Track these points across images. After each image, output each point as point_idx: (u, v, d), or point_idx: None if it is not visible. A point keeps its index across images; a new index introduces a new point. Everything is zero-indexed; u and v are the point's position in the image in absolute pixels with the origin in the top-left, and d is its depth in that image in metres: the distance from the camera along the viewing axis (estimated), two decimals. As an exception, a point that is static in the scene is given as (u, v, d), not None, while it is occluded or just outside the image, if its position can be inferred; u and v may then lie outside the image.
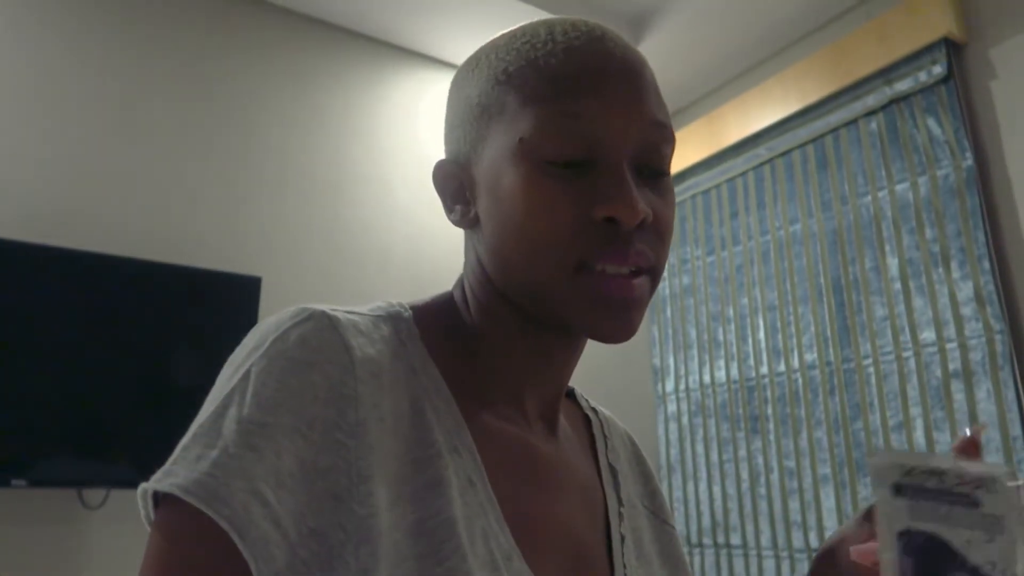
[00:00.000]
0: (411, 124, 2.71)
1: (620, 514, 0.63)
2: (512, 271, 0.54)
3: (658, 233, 0.54)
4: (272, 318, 0.51)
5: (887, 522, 0.46)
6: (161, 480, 0.43)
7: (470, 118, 0.58)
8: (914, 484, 0.46)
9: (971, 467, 0.45)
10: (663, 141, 0.55)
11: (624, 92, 0.53)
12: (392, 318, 0.56)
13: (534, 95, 0.53)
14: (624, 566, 0.59)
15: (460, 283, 0.62)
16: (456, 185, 0.59)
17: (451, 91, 0.62)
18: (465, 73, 0.60)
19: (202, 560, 0.42)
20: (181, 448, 0.45)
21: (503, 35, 0.59)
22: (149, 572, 0.43)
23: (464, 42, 2.72)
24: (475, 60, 0.60)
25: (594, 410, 0.73)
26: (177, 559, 0.43)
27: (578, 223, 0.51)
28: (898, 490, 0.46)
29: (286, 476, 0.43)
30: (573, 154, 0.52)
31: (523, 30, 0.58)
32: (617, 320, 0.52)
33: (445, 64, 2.85)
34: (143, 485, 0.45)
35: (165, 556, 0.43)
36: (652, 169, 0.55)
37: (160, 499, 0.46)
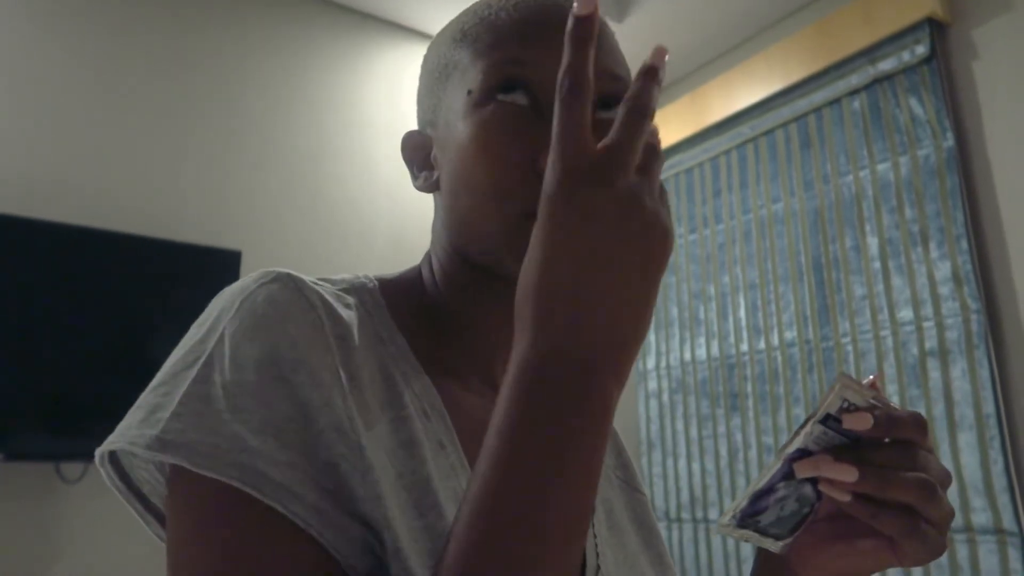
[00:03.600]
0: (394, 98, 2.69)
1: None
2: (464, 225, 0.54)
3: None
4: (237, 282, 0.50)
5: (800, 440, 0.49)
6: (161, 450, 0.42)
7: (431, 84, 0.59)
8: (836, 417, 0.48)
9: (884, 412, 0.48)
10: (619, 92, 0.53)
11: None
12: (357, 289, 0.56)
13: (481, 47, 0.54)
14: (595, 535, 0.59)
15: (427, 254, 0.62)
16: (423, 154, 0.60)
17: (421, 65, 0.63)
18: (431, 44, 0.62)
19: (232, 519, 0.42)
20: (172, 415, 0.44)
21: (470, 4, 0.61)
22: (185, 541, 0.42)
23: (447, 16, 2.69)
24: (440, 31, 0.61)
25: None
26: (211, 523, 0.42)
27: (525, 171, 0.50)
28: (826, 419, 0.48)
29: (283, 421, 0.43)
30: (516, 84, 0.52)
31: None
32: None
33: (427, 37, 2.82)
34: (137, 449, 0.43)
35: (198, 523, 0.42)
36: (608, 113, 0.54)
37: (128, 464, 0.46)
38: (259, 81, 2.43)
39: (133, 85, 2.20)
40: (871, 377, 0.51)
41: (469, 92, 0.53)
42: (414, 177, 0.61)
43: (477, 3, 0.59)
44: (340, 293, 0.53)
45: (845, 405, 0.48)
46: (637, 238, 0.39)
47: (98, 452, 0.47)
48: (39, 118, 2.03)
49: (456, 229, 0.56)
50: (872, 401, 0.48)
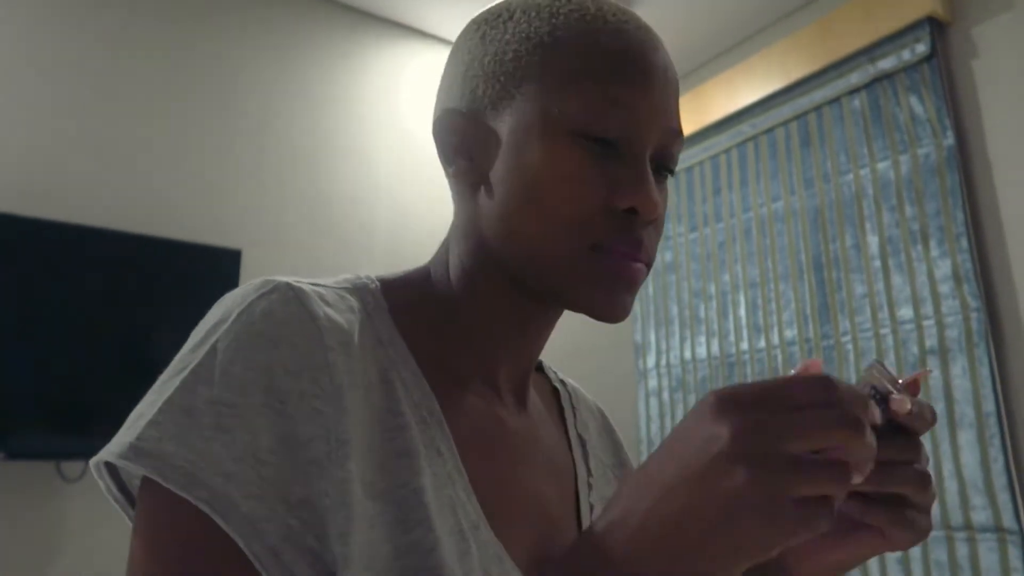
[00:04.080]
0: (393, 96, 2.68)
1: (589, 484, 0.64)
2: (520, 240, 0.53)
3: (657, 229, 0.56)
4: (236, 291, 0.50)
5: None
6: (133, 459, 0.42)
7: (496, 72, 0.54)
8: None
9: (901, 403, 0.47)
10: (678, 147, 0.56)
11: (662, 90, 0.54)
12: (358, 290, 0.55)
13: (583, 69, 0.52)
14: None
15: (443, 248, 0.61)
16: (462, 139, 0.56)
17: (469, 38, 0.58)
18: (492, 24, 0.56)
19: (194, 542, 0.42)
20: (149, 423, 0.43)
21: None
22: (142, 555, 0.43)
23: (447, 13, 2.69)
24: (506, 12, 0.56)
25: (562, 382, 0.73)
26: (169, 542, 0.42)
27: (602, 207, 0.52)
28: None
29: (265, 452, 0.43)
30: (610, 138, 0.52)
31: None
32: (618, 299, 0.53)
33: (427, 36, 2.81)
34: (111, 457, 0.43)
35: (156, 539, 0.43)
36: (663, 170, 0.56)
37: (126, 473, 0.46)
38: (258, 79, 2.43)
39: (132, 84, 2.19)
40: (921, 371, 0.50)
41: (560, 111, 0.52)
42: (448, 162, 0.57)
43: (559, 3, 0.55)
44: (342, 294, 0.53)
45: (872, 392, 0.47)
46: (767, 533, 0.37)
47: (92, 463, 0.47)
48: (38, 116, 2.03)
49: (505, 239, 0.54)
50: (892, 390, 0.48)
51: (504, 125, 0.54)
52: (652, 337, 3.01)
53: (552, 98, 0.52)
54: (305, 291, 0.49)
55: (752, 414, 0.38)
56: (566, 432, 0.68)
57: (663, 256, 3.01)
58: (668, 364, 2.92)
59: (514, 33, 0.55)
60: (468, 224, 0.57)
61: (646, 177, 0.52)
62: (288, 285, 0.49)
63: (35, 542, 1.82)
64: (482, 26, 0.57)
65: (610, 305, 0.53)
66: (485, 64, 0.55)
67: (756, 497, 0.36)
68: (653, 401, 2.95)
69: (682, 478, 0.39)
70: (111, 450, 0.44)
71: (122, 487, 0.49)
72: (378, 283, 0.58)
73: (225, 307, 0.48)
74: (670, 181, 3.00)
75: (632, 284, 0.53)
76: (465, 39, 0.58)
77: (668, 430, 2.86)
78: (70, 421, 1.86)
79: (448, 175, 0.58)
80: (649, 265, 0.55)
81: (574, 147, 0.51)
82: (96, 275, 1.93)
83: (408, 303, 0.57)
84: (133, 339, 1.96)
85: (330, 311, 0.49)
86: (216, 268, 2.09)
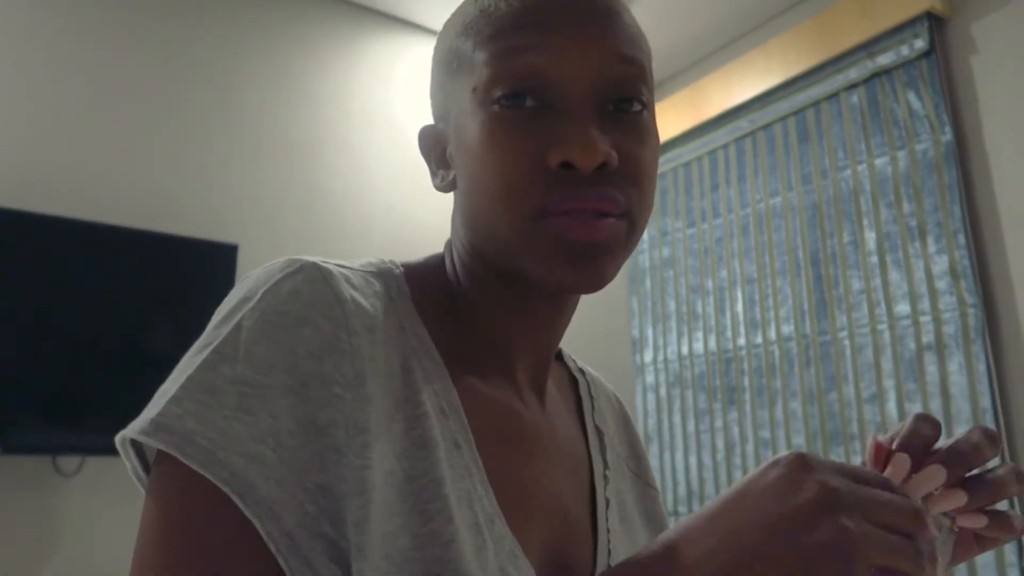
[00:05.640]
0: (388, 89, 2.68)
1: (605, 477, 0.63)
2: (479, 227, 0.53)
3: (629, 174, 0.50)
4: (261, 269, 0.49)
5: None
6: (153, 435, 0.42)
7: (441, 77, 0.57)
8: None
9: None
10: (631, 76, 0.51)
11: (577, 25, 0.50)
12: (383, 274, 0.54)
13: (484, 39, 0.51)
14: (608, 531, 0.59)
15: (448, 246, 0.61)
16: (439, 150, 0.58)
17: (431, 57, 0.61)
18: (439, 35, 0.59)
19: (208, 521, 0.41)
20: (171, 400, 0.43)
21: None
22: (154, 533, 0.42)
23: (441, 6, 2.68)
24: (447, 21, 0.59)
25: (581, 371, 0.72)
26: (183, 519, 0.42)
27: (534, 170, 0.48)
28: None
29: (285, 435, 0.42)
30: (521, 88, 0.49)
31: None
32: (580, 266, 0.48)
33: (422, 28, 2.81)
34: (132, 433, 0.43)
35: (170, 516, 0.42)
36: (622, 105, 0.51)
37: (150, 450, 0.45)
38: (254, 73, 2.42)
39: (127, 79, 2.19)
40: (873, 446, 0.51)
41: (474, 89, 0.51)
42: (433, 175, 0.58)
43: None
44: (368, 278, 0.52)
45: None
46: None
47: (118, 440, 0.46)
48: (34, 111, 2.02)
49: (473, 230, 0.54)
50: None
51: (452, 123, 0.55)
52: (649, 332, 3.01)
53: (471, 78, 0.51)
54: (332, 272, 0.49)
55: (839, 477, 0.39)
56: (583, 423, 0.66)
57: (660, 251, 3.01)
58: (665, 359, 2.92)
59: (445, 37, 0.57)
60: (457, 224, 0.58)
61: (576, 122, 0.48)
62: (315, 265, 0.48)
63: (31, 537, 1.82)
64: (438, 37, 0.60)
65: (572, 273, 0.48)
66: (435, 75, 0.58)
67: (837, 551, 0.37)
68: (651, 396, 2.95)
69: (761, 524, 0.39)
70: (134, 427, 0.43)
71: (147, 467, 0.48)
72: (402, 268, 0.57)
73: (251, 285, 0.48)
74: (668, 176, 2.99)
75: (596, 244, 0.48)
76: (432, 55, 0.61)
77: (665, 425, 2.87)
78: (66, 416, 1.85)
79: (435, 187, 0.59)
80: (629, 218, 0.50)
81: (502, 114, 0.49)
82: (93, 270, 1.93)
83: (429, 291, 0.57)
84: (130, 334, 1.95)
85: (356, 294, 0.49)
86: (212, 263, 2.08)
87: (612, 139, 0.49)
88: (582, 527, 0.58)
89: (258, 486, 0.41)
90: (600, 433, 0.67)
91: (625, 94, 0.51)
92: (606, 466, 0.64)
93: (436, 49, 0.59)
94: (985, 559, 1.88)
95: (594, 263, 0.49)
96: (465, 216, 0.54)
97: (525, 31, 0.50)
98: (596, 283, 0.49)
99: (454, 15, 0.57)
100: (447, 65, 0.55)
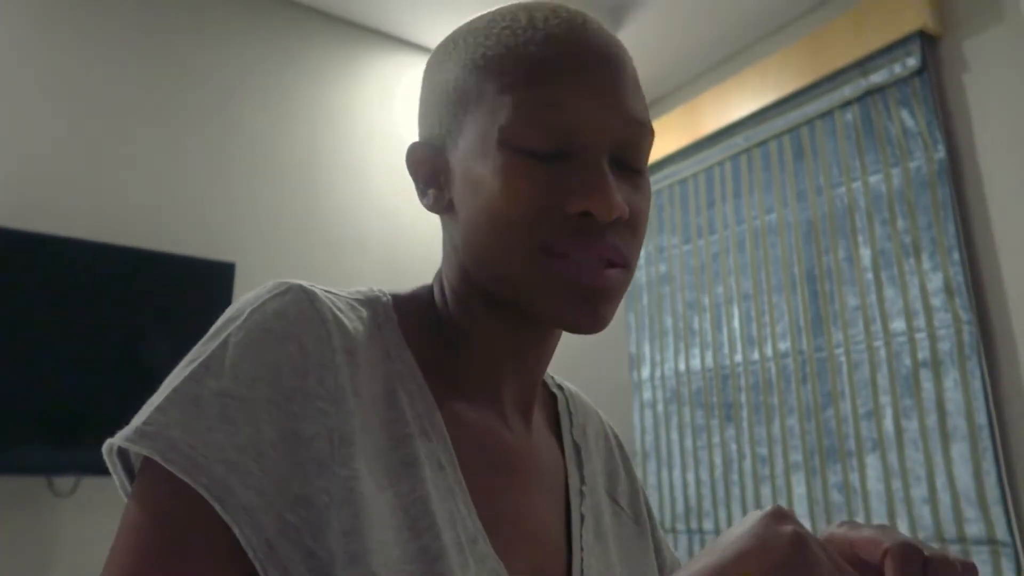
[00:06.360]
0: (387, 108, 2.69)
1: (581, 492, 0.64)
2: (483, 258, 0.54)
3: (631, 229, 0.53)
4: (251, 292, 0.51)
5: None
6: (138, 441, 0.43)
7: (446, 103, 0.56)
8: None
9: None
10: (641, 138, 0.54)
11: (604, 84, 0.52)
12: (371, 302, 0.56)
13: (512, 83, 0.51)
14: (582, 548, 0.59)
15: (438, 274, 0.62)
16: (429, 169, 0.58)
17: (426, 72, 0.60)
18: (441, 55, 0.58)
19: (185, 526, 0.42)
20: (156, 409, 0.44)
21: (481, 17, 0.58)
22: (130, 535, 0.42)
23: (441, 26, 2.70)
24: (452, 42, 0.58)
25: (560, 387, 0.73)
26: (161, 522, 0.42)
27: (550, 213, 0.50)
28: None
29: (267, 446, 0.43)
30: (550, 144, 0.51)
31: (502, 13, 0.56)
32: (586, 309, 0.51)
33: (421, 48, 2.83)
34: (118, 440, 0.44)
35: (148, 519, 0.43)
36: (629, 165, 0.54)
37: (136, 460, 0.46)
38: (252, 92, 2.43)
39: (125, 97, 2.20)
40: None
41: (499, 128, 0.51)
42: (421, 193, 0.59)
43: (494, 23, 0.55)
44: (354, 304, 0.54)
45: None
46: None
47: (104, 450, 0.48)
48: (31, 130, 2.03)
49: (474, 260, 0.55)
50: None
51: (458, 152, 0.55)
52: (646, 349, 3.02)
53: (493, 117, 0.52)
54: (318, 294, 0.50)
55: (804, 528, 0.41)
56: (560, 439, 0.67)
57: (657, 268, 3.02)
58: (663, 376, 2.92)
59: (455, 62, 0.56)
60: (450, 251, 0.59)
61: (599, 175, 0.50)
62: (301, 287, 0.50)
63: (26, 557, 1.81)
64: (434, 60, 0.59)
65: (577, 315, 0.51)
66: (436, 96, 0.57)
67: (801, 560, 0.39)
68: (648, 413, 2.95)
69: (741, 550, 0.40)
70: (120, 435, 0.44)
71: (133, 479, 0.49)
72: (390, 297, 0.58)
73: (239, 305, 0.50)
74: (664, 193, 3.01)
75: (601, 291, 0.51)
76: (426, 72, 0.60)
77: (663, 442, 2.86)
78: (61, 436, 1.84)
79: (422, 204, 0.59)
80: (627, 267, 0.53)
81: (518, 161, 0.51)
82: (89, 288, 1.93)
83: (417, 318, 0.58)
84: (127, 353, 1.95)
85: (341, 316, 0.50)
86: (209, 281, 2.09)
87: (621, 194, 0.52)
88: (557, 544, 0.58)
89: (238, 493, 0.42)
90: (578, 448, 0.67)
91: (637, 154, 0.54)
92: (582, 481, 0.65)
93: (436, 70, 0.58)
94: (982, 574, 1.88)
95: (598, 308, 0.51)
96: (467, 247, 0.55)
97: (560, 86, 0.51)
98: (598, 325, 0.52)
99: (466, 41, 0.56)
100: (457, 95, 0.55)
